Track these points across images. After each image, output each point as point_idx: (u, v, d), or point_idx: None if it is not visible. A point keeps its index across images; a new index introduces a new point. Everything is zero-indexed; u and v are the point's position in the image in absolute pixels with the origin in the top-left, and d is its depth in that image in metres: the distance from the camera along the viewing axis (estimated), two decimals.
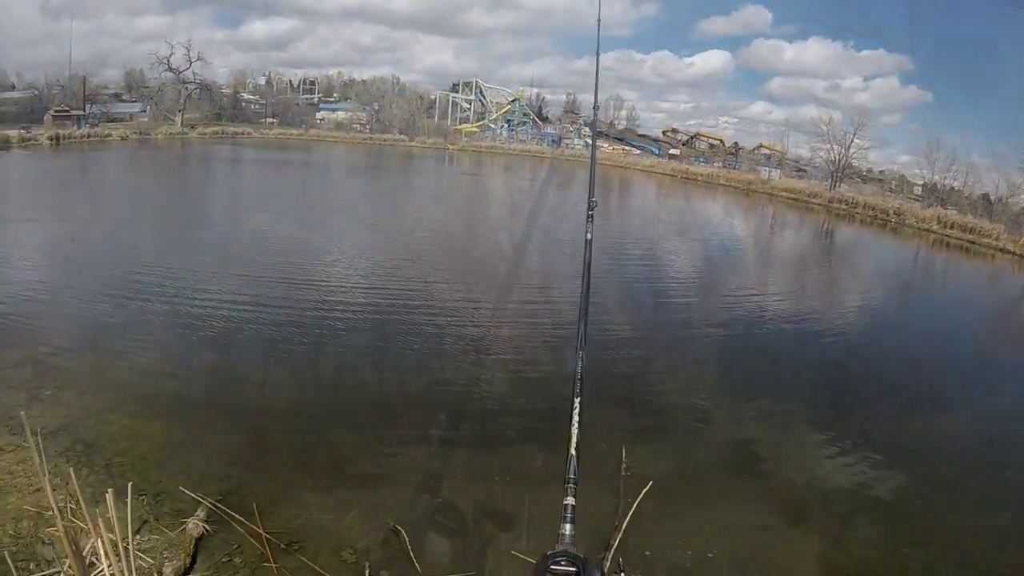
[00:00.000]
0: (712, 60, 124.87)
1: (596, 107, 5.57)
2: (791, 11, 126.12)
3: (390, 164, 54.58)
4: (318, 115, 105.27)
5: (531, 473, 7.86)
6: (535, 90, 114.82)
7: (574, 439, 2.16)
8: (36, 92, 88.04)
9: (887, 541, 7.64)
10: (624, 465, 8.13)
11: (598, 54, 5.67)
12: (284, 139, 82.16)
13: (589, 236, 2.71)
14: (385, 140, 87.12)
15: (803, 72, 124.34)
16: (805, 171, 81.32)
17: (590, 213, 2.81)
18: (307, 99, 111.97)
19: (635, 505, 6.92)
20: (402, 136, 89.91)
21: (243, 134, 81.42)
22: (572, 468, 2.08)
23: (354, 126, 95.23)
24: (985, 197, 70.51)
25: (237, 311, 12.70)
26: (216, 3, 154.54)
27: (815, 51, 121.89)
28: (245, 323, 12.14)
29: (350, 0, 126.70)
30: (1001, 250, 47.18)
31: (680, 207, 46.56)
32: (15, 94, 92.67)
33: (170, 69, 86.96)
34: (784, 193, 68.01)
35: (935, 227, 52.86)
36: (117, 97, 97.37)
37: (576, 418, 2.20)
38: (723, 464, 9.11)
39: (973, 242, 49.16)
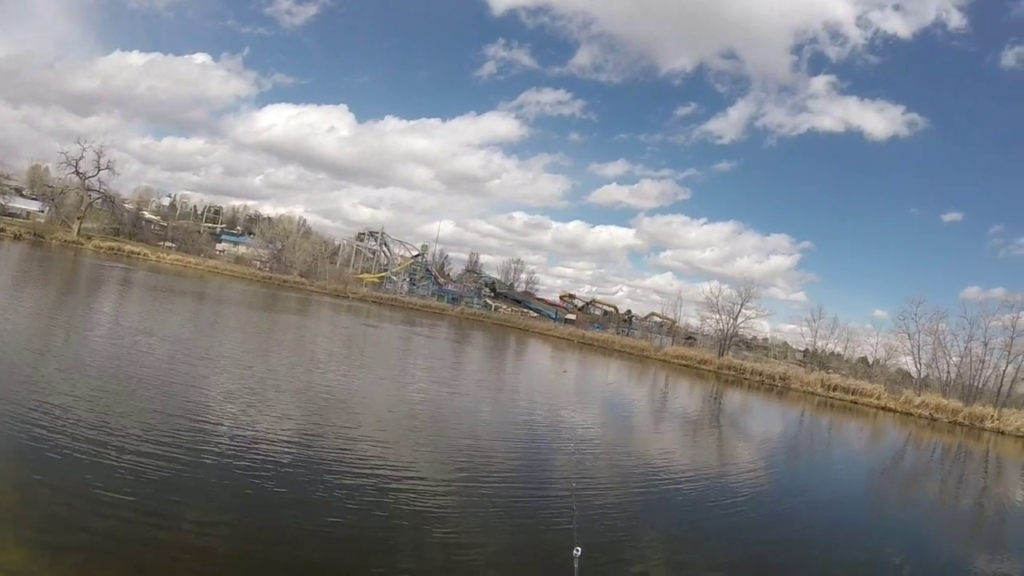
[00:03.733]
0: (616, 232, 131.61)
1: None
2: (700, 191, 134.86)
3: (286, 307, 53.21)
4: (219, 246, 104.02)
5: None
6: (439, 247, 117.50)
7: None
8: None
9: None
10: None
11: None
12: (180, 266, 79.39)
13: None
14: (284, 281, 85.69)
15: (698, 247, 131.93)
16: (694, 339, 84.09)
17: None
18: (209, 228, 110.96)
19: None
20: (302, 279, 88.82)
21: (139, 254, 78.38)
22: None
23: (254, 262, 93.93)
24: (864, 360, 74.36)
25: (137, 444, 10.86)
26: (137, 112, 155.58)
27: (713, 229, 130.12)
28: (152, 457, 10.38)
29: (270, 134, 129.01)
30: (883, 408, 49.51)
31: (578, 371, 46.85)
32: None
33: (77, 172, 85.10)
34: (676, 359, 69.75)
35: (819, 390, 55.18)
36: (18, 191, 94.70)
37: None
38: None
39: (856, 402, 51.44)
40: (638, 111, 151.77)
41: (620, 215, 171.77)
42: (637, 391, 43.03)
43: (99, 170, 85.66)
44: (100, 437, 11.32)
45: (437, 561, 9.14)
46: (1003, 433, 44.70)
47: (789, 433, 33.70)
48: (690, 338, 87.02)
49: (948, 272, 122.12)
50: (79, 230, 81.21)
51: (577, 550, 5.25)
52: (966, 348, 61.50)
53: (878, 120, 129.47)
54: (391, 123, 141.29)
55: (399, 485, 11.78)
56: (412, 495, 11.37)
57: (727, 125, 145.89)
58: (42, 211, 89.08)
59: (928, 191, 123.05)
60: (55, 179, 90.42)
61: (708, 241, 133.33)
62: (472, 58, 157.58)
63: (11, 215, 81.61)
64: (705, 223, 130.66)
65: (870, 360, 75.50)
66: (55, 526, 8.17)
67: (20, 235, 68.13)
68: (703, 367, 66.70)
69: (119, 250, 77.55)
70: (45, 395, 13.04)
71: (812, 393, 55.37)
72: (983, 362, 60.25)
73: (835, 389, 55.44)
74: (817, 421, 41.88)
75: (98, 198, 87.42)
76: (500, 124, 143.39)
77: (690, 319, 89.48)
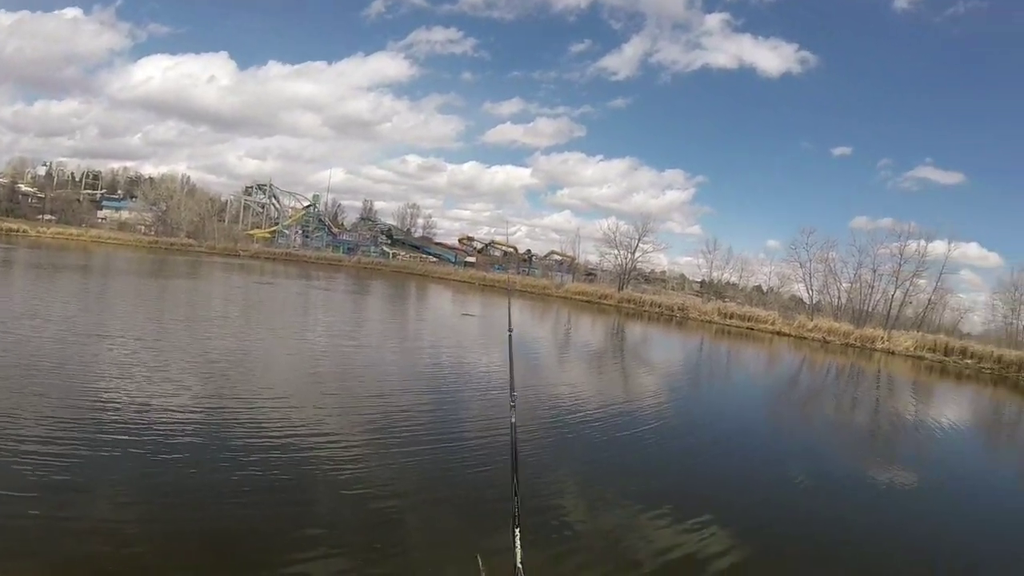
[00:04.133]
0: (512, 172, 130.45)
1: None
2: (596, 128, 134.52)
3: (175, 271, 51.02)
4: (100, 213, 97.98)
5: None
6: (331, 196, 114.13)
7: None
8: None
9: None
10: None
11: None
12: (62, 239, 74.18)
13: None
14: (172, 244, 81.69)
15: (595, 184, 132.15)
16: (594, 275, 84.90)
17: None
18: (89, 195, 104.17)
19: None
20: (190, 240, 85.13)
21: (18, 231, 73.15)
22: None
23: (139, 227, 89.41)
24: (758, 288, 76.78)
25: (35, 430, 10.84)
26: (5, 76, 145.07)
27: (610, 166, 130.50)
28: (53, 442, 9.81)
29: (148, 88, 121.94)
30: (778, 333, 51.20)
31: (480, 314, 46.68)
32: None
33: None
34: (577, 296, 70.46)
35: (716, 318, 56.71)
36: None
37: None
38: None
39: (752, 328, 52.99)
40: (532, 48, 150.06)
41: (516, 154, 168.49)
42: (541, 329, 43.10)
43: None
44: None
45: (354, 516, 8.88)
46: (893, 353, 46.79)
47: (691, 362, 34.32)
48: (590, 274, 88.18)
49: (838, 203, 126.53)
50: None
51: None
52: (856, 275, 64.53)
53: (771, 57, 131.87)
54: (274, 68, 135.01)
55: (308, 444, 11.43)
56: (322, 453, 11.06)
57: (622, 62, 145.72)
58: None
59: (819, 126, 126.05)
60: None
61: (605, 178, 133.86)
62: None
63: None
64: (601, 160, 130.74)
65: (764, 288, 78.45)
66: None
67: None
68: (604, 302, 67.55)
69: None
70: None
71: (710, 322, 56.74)
72: (872, 287, 63.33)
73: (732, 317, 57.00)
74: (716, 348, 42.89)
75: None
76: (389, 65, 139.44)
77: (589, 256, 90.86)
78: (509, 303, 5.83)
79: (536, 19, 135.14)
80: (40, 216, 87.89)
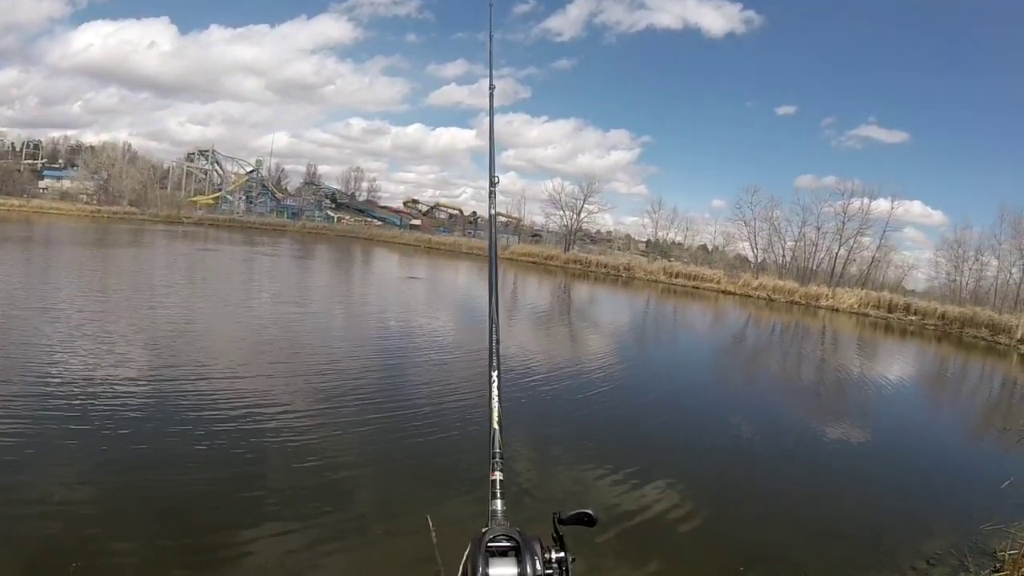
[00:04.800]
0: (457, 134, 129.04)
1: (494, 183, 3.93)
2: (541, 90, 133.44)
3: (118, 240, 49.85)
4: (41, 183, 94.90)
5: None
6: (274, 161, 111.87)
7: (495, 413, 2.01)
8: None
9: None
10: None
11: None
12: (3, 211, 71.06)
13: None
14: (114, 212, 79.12)
15: (540, 145, 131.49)
16: (540, 236, 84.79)
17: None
18: (30, 165, 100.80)
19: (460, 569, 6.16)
20: (133, 208, 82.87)
21: None
22: (496, 443, 1.95)
23: (81, 196, 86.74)
24: (703, 248, 77.37)
25: None
26: None
27: (555, 127, 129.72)
28: None
29: (88, 55, 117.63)
30: (723, 292, 51.66)
31: (427, 276, 46.46)
32: None
33: None
34: (523, 257, 70.31)
35: (662, 277, 57.07)
36: None
37: (495, 392, 2.05)
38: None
39: (697, 287, 53.43)
40: (476, 10, 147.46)
41: (461, 116, 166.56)
42: (486, 291, 42.65)
43: None
44: None
45: (308, 487, 8.78)
46: (837, 311, 47.45)
47: (637, 321, 34.62)
48: (536, 235, 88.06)
49: (783, 162, 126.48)
50: None
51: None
52: (800, 233, 65.07)
53: (715, 17, 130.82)
54: (216, 32, 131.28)
55: (258, 415, 11.26)
56: (272, 423, 10.93)
57: (566, 23, 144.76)
58: None
59: (763, 86, 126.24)
60: None
61: (550, 139, 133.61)
62: None
63: None
64: (546, 121, 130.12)
65: (709, 248, 78.64)
66: None
67: None
68: (550, 263, 67.67)
69: None
70: None
71: (656, 281, 57.05)
72: (816, 246, 63.99)
73: (677, 276, 57.37)
74: (663, 308, 43.30)
75: None
76: (332, 27, 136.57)
77: (535, 217, 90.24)
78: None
79: None
80: None
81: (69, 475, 8.49)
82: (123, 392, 11.79)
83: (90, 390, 11.70)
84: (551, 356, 19.37)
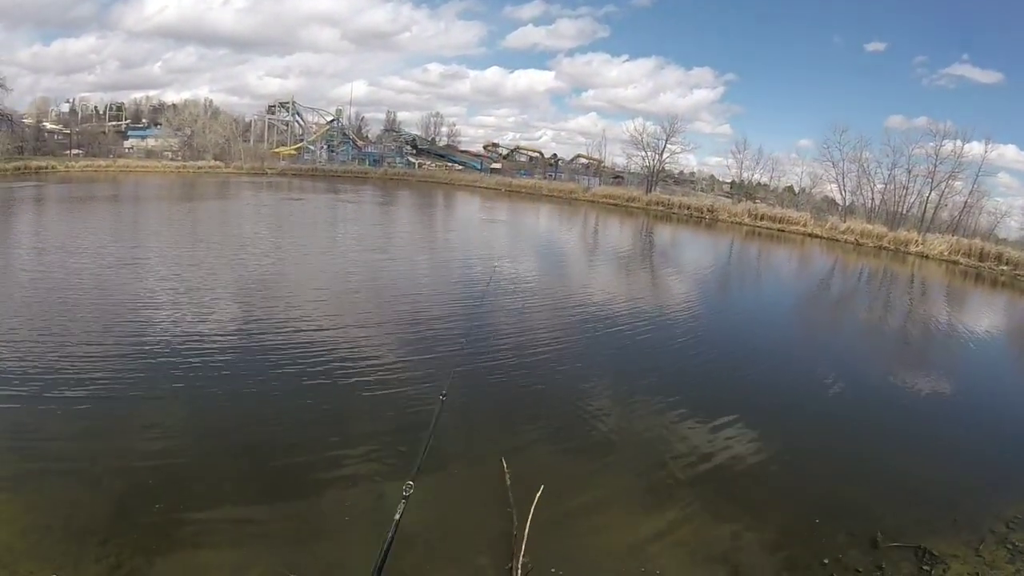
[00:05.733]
0: (536, 76, 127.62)
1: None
2: (620, 28, 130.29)
3: (205, 194, 51.61)
4: (126, 143, 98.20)
5: None
6: (354, 109, 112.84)
7: None
8: None
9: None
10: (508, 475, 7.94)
11: None
12: (91, 172, 74.48)
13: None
14: (200, 167, 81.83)
15: (621, 85, 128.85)
16: (622, 178, 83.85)
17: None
18: (114, 126, 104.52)
19: (531, 512, 6.83)
20: (217, 162, 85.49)
21: (47, 168, 73.97)
22: None
23: (165, 154, 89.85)
24: (790, 189, 75.51)
25: (80, 361, 11.18)
26: (21, 20, 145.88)
27: (635, 66, 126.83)
28: (96, 374, 10.64)
29: (164, 17, 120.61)
30: (810, 235, 50.58)
31: (508, 220, 46.84)
32: None
33: None
34: (604, 199, 69.66)
35: (747, 220, 55.94)
36: None
37: None
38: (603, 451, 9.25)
39: (783, 230, 52.38)
40: None
41: (539, 58, 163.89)
42: (569, 233, 43.45)
43: None
44: (51, 350, 11.46)
45: (388, 431, 9.27)
46: (927, 257, 45.56)
47: (720, 264, 34.51)
48: (618, 177, 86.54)
49: (872, 101, 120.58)
50: None
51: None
52: (890, 175, 62.09)
53: None
54: None
55: (344, 363, 11.83)
56: (358, 371, 11.45)
57: None
58: None
59: (851, 20, 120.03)
60: None
61: (630, 78, 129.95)
62: None
63: None
64: (627, 60, 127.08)
65: (796, 189, 76.33)
66: (11, 456, 8.10)
67: None
68: (632, 205, 66.70)
69: (26, 168, 72.28)
70: None
71: (740, 223, 56.10)
72: (907, 189, 60.71)
73: (762, 218, 56.23)
74: (746, 250, 42.88)
75: None
76: None
77: (616, 158, 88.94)
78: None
79: None
80: (68, 151, 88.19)
81: (158, 422, 9.20)
82: (212, 342, 12.54)
83: (181, 341, 12.51)
84: (636, 302, 19.53)
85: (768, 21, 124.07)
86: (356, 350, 12.66)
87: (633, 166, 79.77)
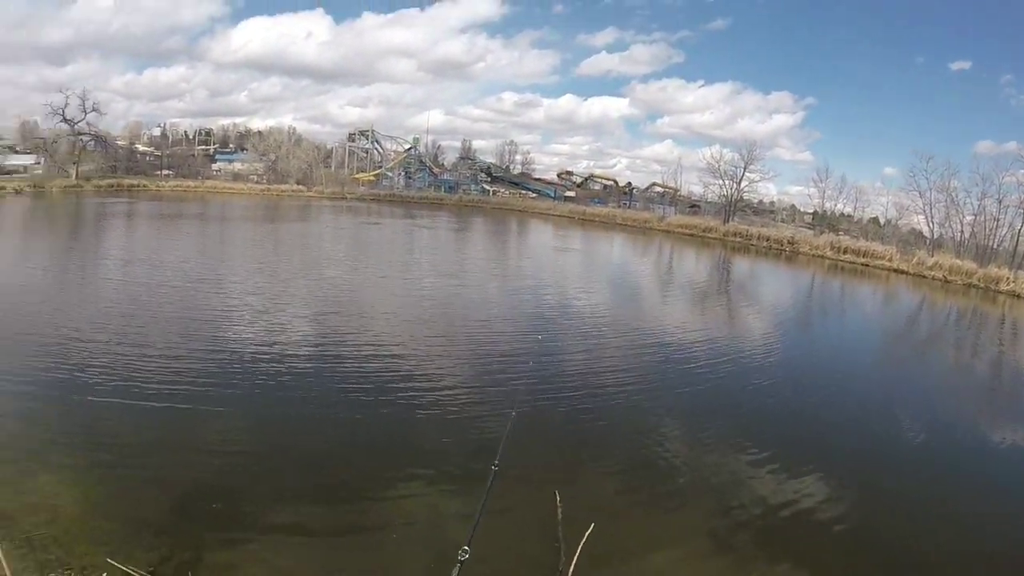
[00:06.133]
0: (610, 103, 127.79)
1: None
2: (695, 53, 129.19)
3: (287, 216, 53.43)
4: (214, 166, 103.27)
5: None
6: (431, 138, 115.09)
7: None
8: None
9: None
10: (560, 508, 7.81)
11: None
12: (180, 191, 79.24)
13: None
14: (283, 191, 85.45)
15: (697, 111, 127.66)
16: (698, 207, 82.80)
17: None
18: (203, 150, 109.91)
19: (578, 549, 6.63)
20: (300, 186, 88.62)
21: (139, 186, 78.41)
22: None
23: (251, 177, 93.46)
24: (875, 220, 73.07)
25: (157, 366, 11.86)
26: (114, 51, 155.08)
27: (711, 92, 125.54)
28: (170, 379, 11.28)
29: (249, 49, 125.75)
30: (895, 270, 48.62)
31: (581, 248, 46.80)
32: None
33: (65, 120, 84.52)
34: (680, 229, 68.66)
35: (829, 253, 54.25)
36: (11, 149, 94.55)
37: None
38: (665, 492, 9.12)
39: (867, 264, 50.57)
40: None
41: (612, 84, 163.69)
42: (643, 264, 43.09)
43: (86, 113, 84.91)
44: (132, 360, 12.10)
45: (466, 446, 9.59)
46: (1019, 296, 43.03)
47: (801, 299, 33.59)
48: (694, 206, 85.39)
49: (958, 125, 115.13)
50: (77, 174, 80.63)
51: None
52: (979, 206, 58.92)
53: None
54: (369, 20, 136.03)
55: (412, 385, 12.08)
56: (425, 393, 11.69)
57: None
58: (38, 163, 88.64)
59: (934, 38, 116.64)
60: (45, 130, 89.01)
61: (707, 104, 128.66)
62: None
63: (8, 173, 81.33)
64: (702, 85, 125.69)
65: (881, 220, 73.22)
66: (85, 447, 8.76)
67: (20, 189, 67.03)
68: (708, 235, 65.48)
69: (119, 186, 77.62)
70: (73, 335, 13.59)
71: (822, 256, 54.31)
72: (997, 221, 57.58)
73: (845, 252, 54.19)
74: (828, 285, 41.62)
75: (90, 140, 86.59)
76: (480, 5, 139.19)
77: (693, 187, 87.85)
78: None
79: None
80: (158, 172, 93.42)
81: (225, 429, 9.62)
82: (283, 358, 12.96)
83: (254, 355, 13.02)
84: (711, 339, 19.09)
85: (847, 42, 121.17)
86: (423, 374, 12.83)
87: (710, 195, 78.31)
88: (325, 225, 49.57)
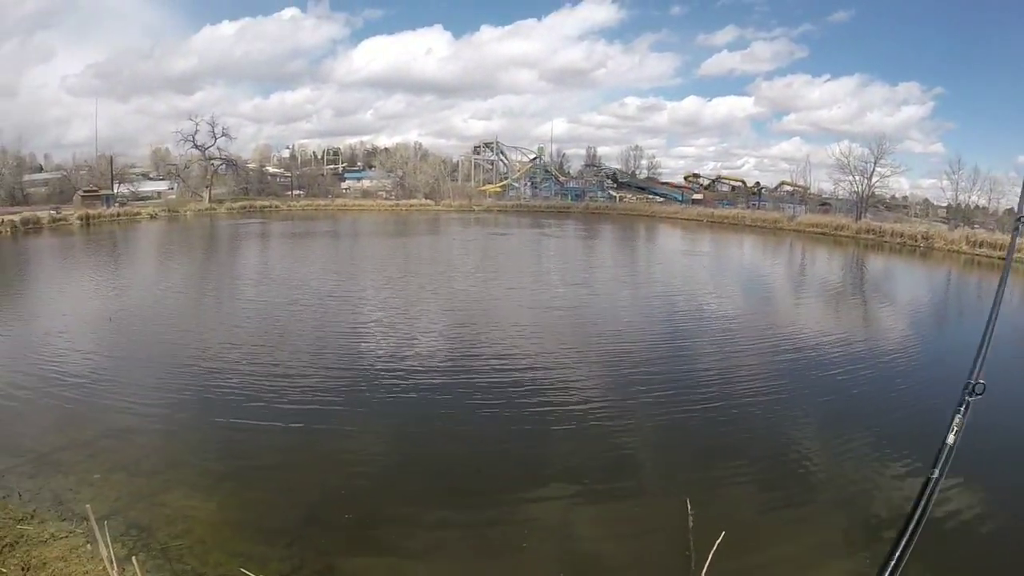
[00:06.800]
0: (734, 103, 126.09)
1: None
2: (818, 47, 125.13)
3: (417, 230, 56.62)
4: (343, 184, 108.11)
5: None
6: (555, 146, 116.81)
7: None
8: (64, 173, 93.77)
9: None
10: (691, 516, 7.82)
11: None
12: (311, 210, 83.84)
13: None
14: (411, 205, 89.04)
15: (823, 106, 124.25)
16: (829, 204, 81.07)
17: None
18: (331, 169, 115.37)
19: (708, 559, 6.27)
20: (427, 200, 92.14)
21: (271, 207, 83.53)
22: None
23: (379, 193, 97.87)
24: (1011, 212, 70.13)
25: (288, 382, 12.77)
26: (240, 77, 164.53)
27: (837, 86, 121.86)
28: (300, 395, 12.13)
29: (371, 69, 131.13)
30: None
31: (711, 251, 47.67)
32: (43, 175, 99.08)
33: (196, 146, 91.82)
34: (811, 228, 67.33)
35: (964, 247, 52.05)
36: (145, 176, 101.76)
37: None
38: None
39: (1004, 259, 48.70)
40: None
41: (736, 84, 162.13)
42: (774, 266, 42.46)
43: (216, 139, 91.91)
44: (264, 378, 13.02)
45: (598, 455, 9.82)
46: None
47: (936, 298, 32.23)
48: (824, 204, 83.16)
49: None
50: (210, 197, 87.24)
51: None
52: None
53: None
54: (487, 32, 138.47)
55: (546, 395, 12.35)
56: (559, 403, 11.90)
57: None
58: (171, 188, 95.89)
59: None
60: (177, 156, 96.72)
61: (833, 99, 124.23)
62: None
63: (143, 198, 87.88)
64: (828, 80, 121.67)
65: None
66: (219, 462, 9.41)
67: (155, 214, 72.56)
68: (840, 233, 63.63)
69: (251, 207, 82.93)
70: (207, 355, 14.89)
71: (957, 251, 51.99)
72: None
73: (981, 245, 51.68)
74: (965, 282, 39.79)
75: (221, 164, 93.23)
76: (597, 11, 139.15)
77: (822, 184, 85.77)
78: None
79: None
80: (289, 192, 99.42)
81: (356, 440, 10.13)
82: (413, 371, 13.46)
83: (383, 368, 13.62)
84: (848, 342, 18.66)
85: (974, 27, 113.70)
86: (553, 386, 12.97)
87: (840, 192, 76.34)
88: (453, 237, 51.01)
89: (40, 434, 10.45)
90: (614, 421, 11.19)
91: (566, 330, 18.16)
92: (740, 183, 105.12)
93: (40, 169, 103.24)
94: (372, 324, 17.90)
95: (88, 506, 6.30)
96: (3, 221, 53.56)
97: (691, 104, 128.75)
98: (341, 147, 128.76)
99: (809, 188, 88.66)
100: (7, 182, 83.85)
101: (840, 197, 77.65)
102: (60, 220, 60.31)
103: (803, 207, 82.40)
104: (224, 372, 13.44)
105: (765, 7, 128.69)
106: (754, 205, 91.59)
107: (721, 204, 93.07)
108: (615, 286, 27.77)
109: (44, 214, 60.70)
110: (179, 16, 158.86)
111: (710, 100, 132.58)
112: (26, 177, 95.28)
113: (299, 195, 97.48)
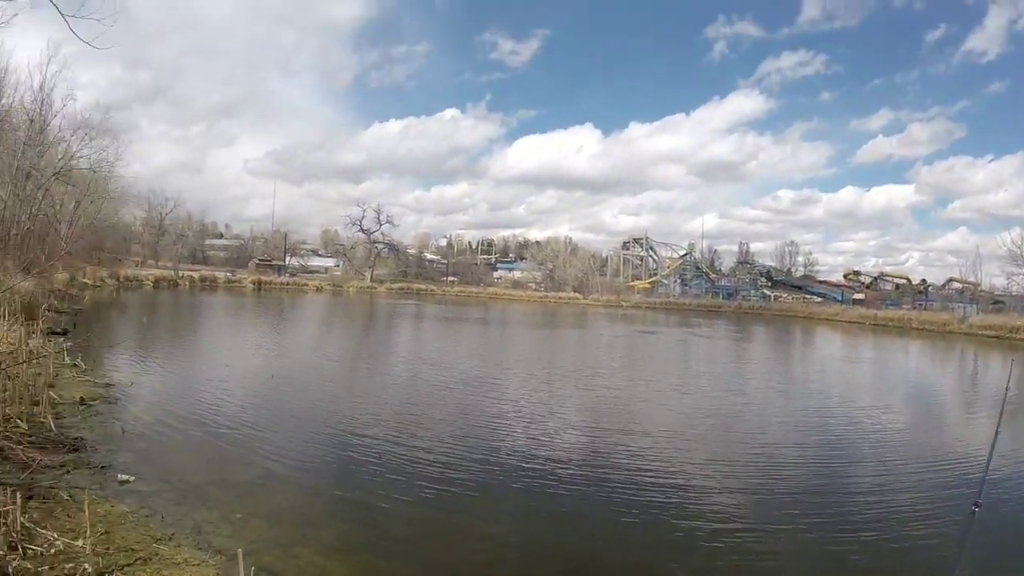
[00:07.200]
0: (894, 191, 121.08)
1: None
2: (978, 124, 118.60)
3: (564, 322, 57.38)
4: (495, 274, 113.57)
5: None
6: (706, 242, 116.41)
7: None
8: (242, 241, 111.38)
9: None
10: None
11: None
12: (464, 296, 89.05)
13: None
14: (560, 298, 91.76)
15: (989, 190, 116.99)
16: (1003, 302, 75.31)
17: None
18: (485, 259, 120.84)
19: None
20: (576, 294, 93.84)
21: (426, 290, 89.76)
22: None
23: (529, 284, 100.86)
24: None
25: (427, 460, 12.89)
26: (404, 171, 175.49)
27: (1002, 165, 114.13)
28: (438, 473, 12.20)
29: (524, 167, 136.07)
30: None
31: (873, 359, 45.39)
32: (223, 241, 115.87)
33: (362, 230, 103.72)
34: (983, 331, 62.19)
35: None
36: (314, 252, 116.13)
37: None
38: None
39: None
40: (886, 49, 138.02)
41: (894, 170, 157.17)
42: (944, 376, 39.31)
43: (380, 224, 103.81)
44: (404, 453, 13.30)
45: (726, 566, 9.16)
46: None
47: None
48: (997, 302, 77.52)
49: None
50: (371, 277, 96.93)
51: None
52: None
53: None
54: (636, 129, 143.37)
55: (684, 503, 11.71)
56: (697, 512, 11.22)
57: (987, 39, 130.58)
58: (337, 266, 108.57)
59: None
60: (344, 238, 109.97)
61: (999, 180, 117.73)
62: (698, 43, 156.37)
63: (311, 272, 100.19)
64: (992, 160, 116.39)
65: None
66: (354, 526, 9.56)
67: (321, 287, 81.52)
68: (1016, 336, 57.99)
69: (408, 289, 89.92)
70: (354, 424, 15.51)
71: None
72: None
73: None
74: None
75: (383, 248, 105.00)
76: (745, 103, 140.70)
77: (995, 279, 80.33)
78: None
79: (881, 17, 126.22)
80: (444, 278, 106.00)
81: (487, 525, 10.04)
82: (549, 465, 13.21)
83: (521, 458, 13.56)
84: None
85: None
86: (696, 496, 12.21)
87: (1014, 287, 71.39)
88: (600, 333, 50.93)
89: (192, 468, 11.27)
90: (752, 537, 10.34)
91: (714, 440, 17.15)
92: (905, 280, 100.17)
93: (220, 236, 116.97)
94: (514, 415, 17.88)
95: (240, 550, 6.81)
96: (184, 276, 65.39)
97: (848, 195, 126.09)
98: (495, 238, 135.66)
99: (980, 284, 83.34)
100: (190, 243, 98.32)
101: (1015, 294, 72.64)
102: (235, 281, 67.74)
103: (974, 306, 77.39)
104: (368, 442, 13.91)
105: (917, 86, 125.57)
106: (920, 305, 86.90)
107: (885, 304, 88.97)
108: (769, 395, 26.39)
109: (221, 274, 68.82)
110: (351, 113, 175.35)
111: (868, 190, 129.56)
112: (207, 241, 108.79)
113: (453, 281, 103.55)
